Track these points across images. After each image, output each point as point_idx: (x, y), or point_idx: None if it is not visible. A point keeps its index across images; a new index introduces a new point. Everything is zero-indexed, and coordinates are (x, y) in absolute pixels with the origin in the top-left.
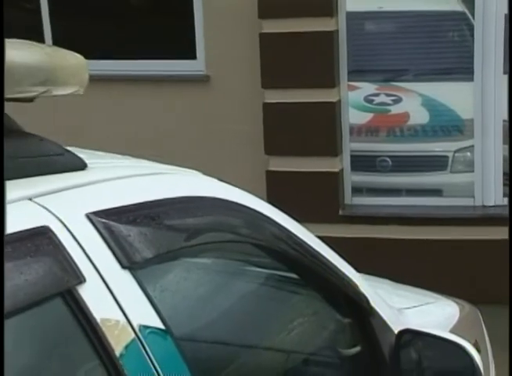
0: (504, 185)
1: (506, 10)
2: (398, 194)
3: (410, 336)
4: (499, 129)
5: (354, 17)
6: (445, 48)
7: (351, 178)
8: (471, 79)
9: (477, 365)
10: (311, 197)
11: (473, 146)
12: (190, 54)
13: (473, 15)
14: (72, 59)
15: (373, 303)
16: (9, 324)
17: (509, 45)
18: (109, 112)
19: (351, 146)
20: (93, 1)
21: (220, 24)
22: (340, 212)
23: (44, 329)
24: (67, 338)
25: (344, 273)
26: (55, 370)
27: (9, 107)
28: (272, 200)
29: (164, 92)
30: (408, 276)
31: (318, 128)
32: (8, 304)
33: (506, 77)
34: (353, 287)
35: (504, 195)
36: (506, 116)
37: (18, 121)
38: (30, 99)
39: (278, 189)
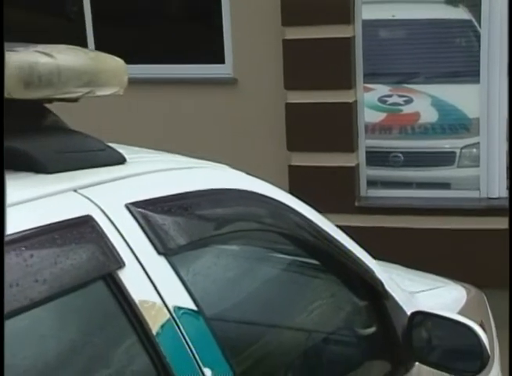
0: (507, 178)
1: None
2: (410, 187)
3: (421, 317)
4: (503, 127)
5: (369, 25)
6: (452, 53)
7: (367, 172)
8: (477, 81)
9: (484, 344)
10: (329, 190)
11: (478, 142)
12: (219, 59)
13: (479, 22)
14: (113, 63)
15: (387, 287)
16: (56, 305)
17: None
18: (146, 111)
19: (366, 142)
20: (131, 11)
21: (246, 31)
22: (356, 204)
23: (87, 309)
24: (109, 317)
25: (360, 259)
26: (99, 347)
27: (55, 107)
28: (294, 192)
29: (195, 94)
30: (418, 262)
31: (336, 126)
32: (55, 286)
33: None
34: (369, 272)
35: (507, 188)
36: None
37: (64, 119)
38: (75, 99)
39: (299, 183)
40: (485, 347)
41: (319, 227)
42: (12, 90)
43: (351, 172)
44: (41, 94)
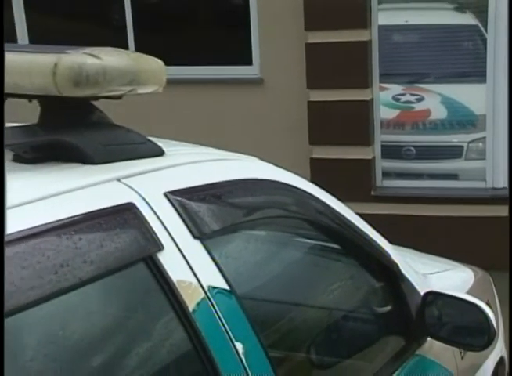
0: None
1: None
2: (421, 178)
3: (433, 297)
4: (507, 123)
5: (384, 29)
6: (460, 55)
7: (382, 164)
8: (484, 81)
9: (491, 321)
10: (347, 180)
11: (484, 137)
12: (247, 61)
13: (485, 27)
14: (153, 64)
15: (402, 269)
16: (102, 284)
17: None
18: (182, 109)
19: (381, 137)
20: (168, 18)
21: (272, 36)
22: (372, 193)
23: (130, 288)
24: (149, 295)
25: (377, 244)
26: (140, 322)
27: (100, 104)
28: (315, 183)
29: (226, 93)
30: (429, 246)
31: (354, 123)
32: (101, 266)
33: None
34: (385, 256)
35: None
36: None
37: (109, 115)
38: (119, 97)
39: (320, 173)
40: (492, 324)
41: (340, 214)
42: (63, 89)
43: (368, 164)
44: (89, 92)
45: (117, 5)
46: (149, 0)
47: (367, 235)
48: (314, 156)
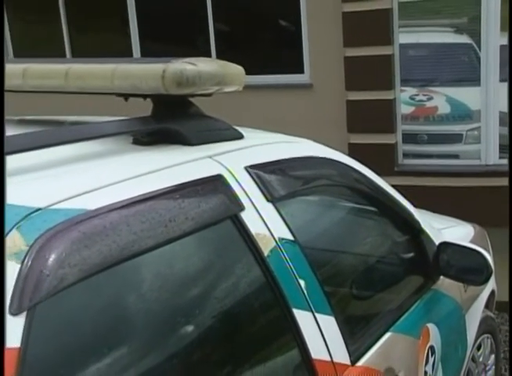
0: (500, 152)
1: (501, 42)
2: (431, 158)
3: (445, 246)
4: (497, 117)
5: (403, 46)
6: (460, 66)
7: (402, 147)
8: (478, 85)
9: (489, 262)
10: (376, 159)
11: (479, 127)
12: (300, 70)
13: (478, 45)
14: (235, 69)
15: (423, 225)
16: (199, 235)
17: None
18: (248, 108)
19: (402, 127)
20: (244, 38)
21: (319, 51)
22: (395, 169)
23: (220, 239)
24: (234, 244)
25: (403, 205)
26: (228, 265)
27: (195, 100)
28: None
29: (283, 95)
30: (438, 209)
31: (381, 116)
32: (199, 222)
33: (501, 84)
34: (410, 215)
35: (500, 158)
36: (501, 108)
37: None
38: (209, 95)
39: (355, 155)
40: (490, 265)
41: (374, 182)
42: (169, 89)
43: (392, 147)
44: (188, 91)
45: (204, 32)
46: (230, 23)
47: (395, 199)
48: (351, 141)
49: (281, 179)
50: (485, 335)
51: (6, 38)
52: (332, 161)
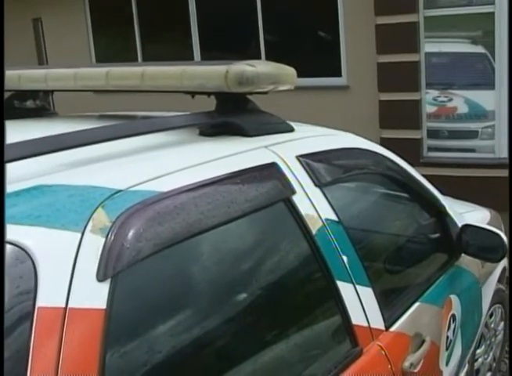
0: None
1: None
2: (451, 151)
3: (466, 227)
4: (508, 116)
5: (428, 54)
6: (476, 72)
7: (427, 142)
8: (492, 88)
9: (505, 241)
10: (405, 151)
11: (493, 125)
12: (338, 73)
13: (491, 54)
14: (288, 70)
15: (448, 210)
16: (256, 215)
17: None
18: (294, 107)
19: (426, 124)
20: (290, 45)
21: (354, 57)
22: (421, 160)
23: (274, 219)
24: (287, 224)
25: (431, 191)
26: (281, 242)
27: (253, 97)
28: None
29: (323, 96)
30: (458, 195)
31: (409, 114)
32: (257, 203)
33: None
34: (437, 200)
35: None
36: None
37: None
38: (266, 92)
39: (387, 148)
40: (506, 244)
41: (406, 170)
42: (231, 87)
43: (418, 142)
44: (247, 89)
45: (255, 43)
46: (278, 35)
47: (424, 185)
48: (382, 136)
49: (327, 167)
50: (497, 305)
51: (90, 48)
52: (370, 152)
